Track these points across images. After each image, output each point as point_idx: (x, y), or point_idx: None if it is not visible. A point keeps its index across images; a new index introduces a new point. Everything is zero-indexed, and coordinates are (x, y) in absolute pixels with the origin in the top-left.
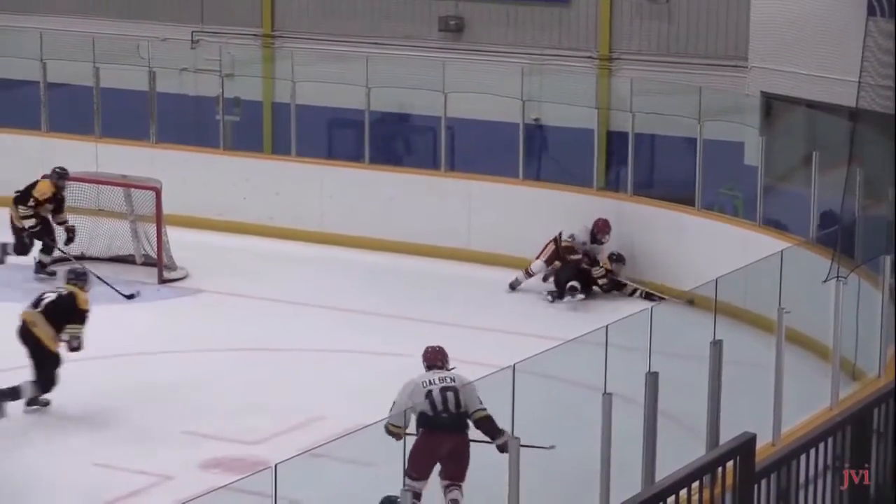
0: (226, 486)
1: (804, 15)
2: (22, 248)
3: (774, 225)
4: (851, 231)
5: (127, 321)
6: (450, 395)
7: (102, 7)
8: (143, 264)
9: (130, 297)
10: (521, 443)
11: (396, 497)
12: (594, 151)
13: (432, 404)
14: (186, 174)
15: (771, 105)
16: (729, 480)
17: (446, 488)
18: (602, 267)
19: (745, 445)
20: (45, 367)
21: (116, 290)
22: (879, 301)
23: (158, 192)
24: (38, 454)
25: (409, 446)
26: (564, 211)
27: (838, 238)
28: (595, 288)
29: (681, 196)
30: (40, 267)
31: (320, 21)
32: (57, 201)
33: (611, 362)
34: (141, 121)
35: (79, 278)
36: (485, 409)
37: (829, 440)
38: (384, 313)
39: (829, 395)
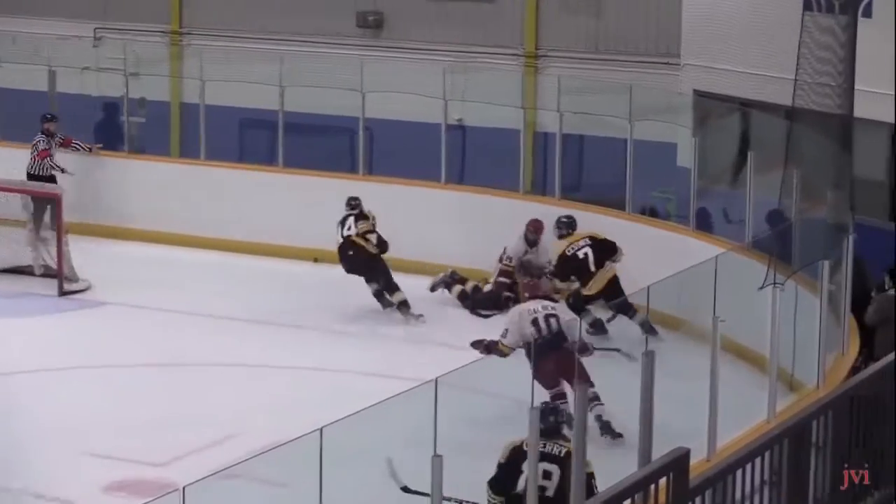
0: None
1: (738, 10)
2: None
3: (707, 228)
4: (788, 235)
5: (25, 335)
6: (552, 321)
7: None
8: (43, 275)
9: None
10: None
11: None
12: (520, 153)
13: (538, 330)
14: (89, 179)
15: (704, 104)
16: (662, 498)
17: (589, 403)
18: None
19: (679, 461)
20: None
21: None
22: (818, 308)
23: (59, 200)
24: None
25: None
26: (490, 216)
27: (774, 242)
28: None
29: (611, 199)
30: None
31: (231, 17)
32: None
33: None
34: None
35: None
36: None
37: (767, 454)
38: (305, 325)
39: (766, 408)
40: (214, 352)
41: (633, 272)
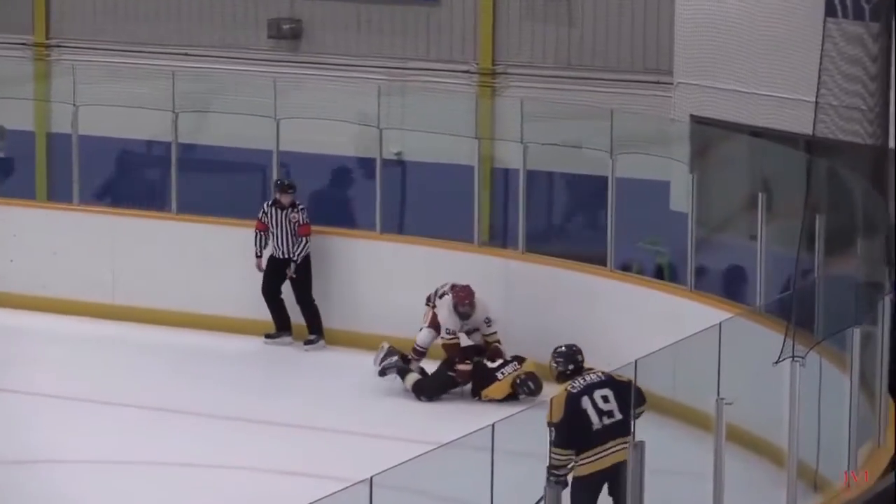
0: None
1: (745, 18)
2: None
3: (709, 288)
4: (810, 297)
5: None
6: None
7: None
8: None
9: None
10: None
11: None
12: (474, 195)
13: None
14: None
15: (703, 132)
16: None
17: None
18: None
19: None
20: None
21: None
22: (847, 387)
23: None
24: None
25: None
26: (437, 273)
27: (793, 306)
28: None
29: (588, 253)
30: None
31: (110, 27)
32: None
33: (499, 472)
34: None
35: None
36: None
37: None
38: (199, 412)
39: None
40: (85, 445)
41: (617, 342)
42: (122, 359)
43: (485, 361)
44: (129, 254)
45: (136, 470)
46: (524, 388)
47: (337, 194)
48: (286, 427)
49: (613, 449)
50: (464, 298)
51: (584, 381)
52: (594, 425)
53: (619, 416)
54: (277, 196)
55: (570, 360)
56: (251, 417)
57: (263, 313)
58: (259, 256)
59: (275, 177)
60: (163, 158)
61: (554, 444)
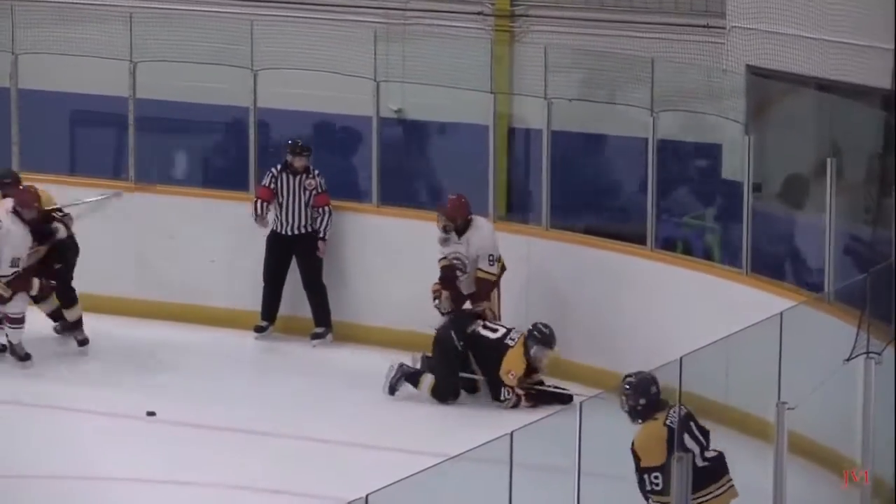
0: None
1: None
2: None
3: (768, 272)
4: (888, 281)
5: None
6: None
7: None
8: None
9: None
10: None
11: None
12: (489, 160)
13: None
14: None
15: (762, 86)
16: None
17: None
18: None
19: None
20: None
21: None
22: None
23: None
24: None
25: None
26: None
27: (867, 292)
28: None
29: (625, 229)
30: None
31: None
32: None
33: (517, 489)
34: None
35: None
36: None
37: None
38: (162, 419)
39: None
40: (35, 457)
41: (657, 335)
42: (70, 356)
43: (480, 332)
44: (82, 228)
45: (90, 486)
46: (536, 332)
47: (325, 159)
48: (270, 437)
49: (726, 486)
50: (446, 210)
51: (674, 413)
52: (699, 462)
53: (714, 452)
54: (290, 159)
55: (640, 393)
56: (228, 426)
57: (239, 302)
58: (261, 216)
59: (251, 137)
60: (118, 116)
61: (661, 492)
